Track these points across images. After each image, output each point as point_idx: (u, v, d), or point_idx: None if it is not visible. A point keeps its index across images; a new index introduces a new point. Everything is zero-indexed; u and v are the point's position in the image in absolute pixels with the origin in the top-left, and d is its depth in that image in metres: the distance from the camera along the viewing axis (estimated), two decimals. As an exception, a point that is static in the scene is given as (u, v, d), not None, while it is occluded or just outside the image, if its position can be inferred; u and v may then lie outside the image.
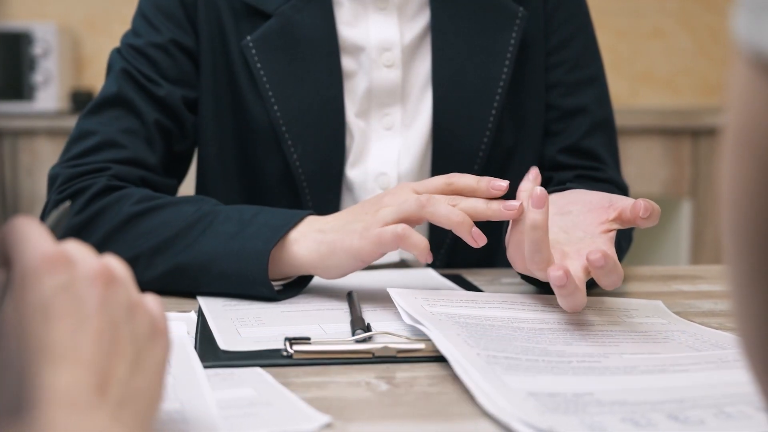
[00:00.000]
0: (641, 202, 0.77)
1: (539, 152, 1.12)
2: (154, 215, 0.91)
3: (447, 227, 0.81)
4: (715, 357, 0.68)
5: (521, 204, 0.80)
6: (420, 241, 0.81)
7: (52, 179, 0.99)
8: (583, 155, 1.11)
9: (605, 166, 1.11)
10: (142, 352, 0.46)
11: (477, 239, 0.81)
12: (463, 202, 0.82)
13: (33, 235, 0.44)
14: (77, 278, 0.44)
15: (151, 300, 0.48)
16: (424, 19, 1.08)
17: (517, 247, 0.80)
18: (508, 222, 0.83)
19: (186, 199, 0.93)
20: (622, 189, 1.11)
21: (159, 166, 1.03)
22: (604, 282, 0.75)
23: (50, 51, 2.52)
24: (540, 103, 1.11)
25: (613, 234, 0.80)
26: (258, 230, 0.85)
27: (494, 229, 0.88)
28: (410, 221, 0.82)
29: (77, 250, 0.45)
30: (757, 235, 0.29)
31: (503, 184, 0.83)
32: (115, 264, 0.46)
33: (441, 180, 0.85)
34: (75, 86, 2.73)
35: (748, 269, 0.31)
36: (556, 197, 0.87)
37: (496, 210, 0.81)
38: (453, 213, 0.81)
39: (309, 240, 0.85)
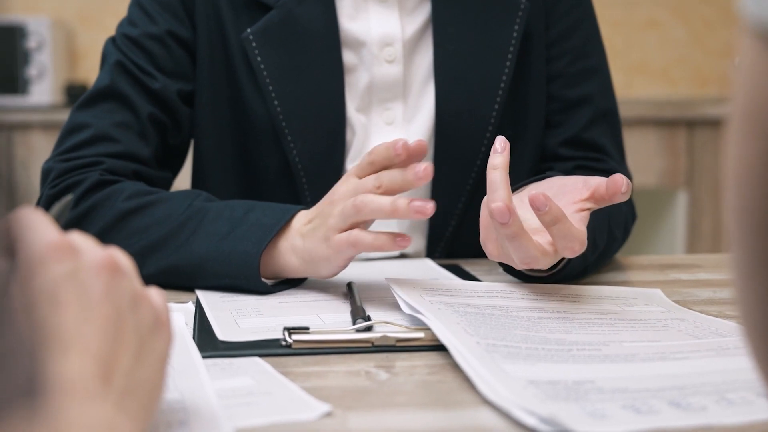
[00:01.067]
0: (620, 178, 0.76)
1: (540, 144, 1.11)
2: (145, 213, 0.90)
3: (388, 219, 0.78)
4: (715, 344, 0.68)
5: (427, 170, 0.77)
6: (375, 239, 0.78)
7: (45, 173, 0.98)
8: (585, 146, 1.09)
9: (607, 157, 1.10)
10: (146, 343, 0.46)
11: (420, 211, 0.75)
12: (384, 176, 0.79)
13: (39, 224, 0.44)
14: (83, 267, 0.44)
15: (154, 293, 0.49)
16: (424, 12, 1.06)
17: (488, 235, 0.79)
18: None
19: (177, 194, 0.92)
20: None
21: (153, 159, 1.02)
22: (560, 245, 0.73)
23: (44, 44, 2.51)
24: (541, 95, 1.09)
25: (586, 214, 0.79)
26: (249, 230, 0.85)
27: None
28: (360, 224, 0.80)
29: (82, 240, 0.45)
30: (763, 218, 0.29)
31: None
32: (119, 255, 0.47)
33: (365, 160, 0.81)
34: (69, 80, 2.72)
35: (752, 253, 0.31)
36: (534, 186, 0.87)
37: (408, 179, 0.78)
38: (384, 204, 0.77)
39: (296, 247, 0.84)
